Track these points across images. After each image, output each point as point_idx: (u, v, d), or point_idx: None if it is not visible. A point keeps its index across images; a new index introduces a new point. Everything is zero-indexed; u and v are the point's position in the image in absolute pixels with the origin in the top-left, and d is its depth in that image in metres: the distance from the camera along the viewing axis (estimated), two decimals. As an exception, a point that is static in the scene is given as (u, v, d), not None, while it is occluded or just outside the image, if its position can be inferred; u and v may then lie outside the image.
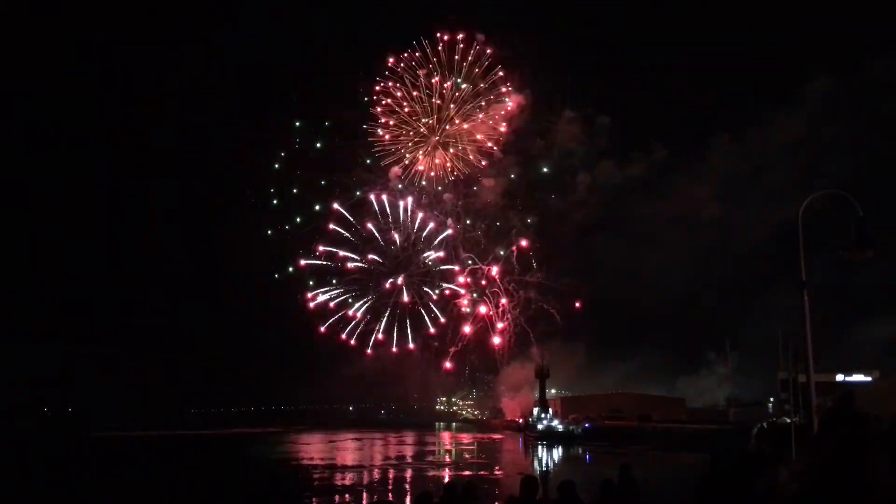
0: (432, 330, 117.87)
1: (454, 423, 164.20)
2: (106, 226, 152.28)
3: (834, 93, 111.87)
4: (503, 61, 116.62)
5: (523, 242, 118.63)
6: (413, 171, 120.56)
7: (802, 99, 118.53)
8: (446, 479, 42.47)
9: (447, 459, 70.35)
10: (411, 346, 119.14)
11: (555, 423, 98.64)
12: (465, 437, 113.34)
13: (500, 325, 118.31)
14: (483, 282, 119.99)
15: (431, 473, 52.29)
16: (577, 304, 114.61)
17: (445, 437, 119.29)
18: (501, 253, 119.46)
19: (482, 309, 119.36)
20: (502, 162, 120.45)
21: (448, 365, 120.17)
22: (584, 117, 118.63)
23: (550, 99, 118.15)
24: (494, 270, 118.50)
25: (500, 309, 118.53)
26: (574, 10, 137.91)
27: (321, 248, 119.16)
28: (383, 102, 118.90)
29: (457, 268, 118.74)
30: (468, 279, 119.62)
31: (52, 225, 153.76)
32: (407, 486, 43.91)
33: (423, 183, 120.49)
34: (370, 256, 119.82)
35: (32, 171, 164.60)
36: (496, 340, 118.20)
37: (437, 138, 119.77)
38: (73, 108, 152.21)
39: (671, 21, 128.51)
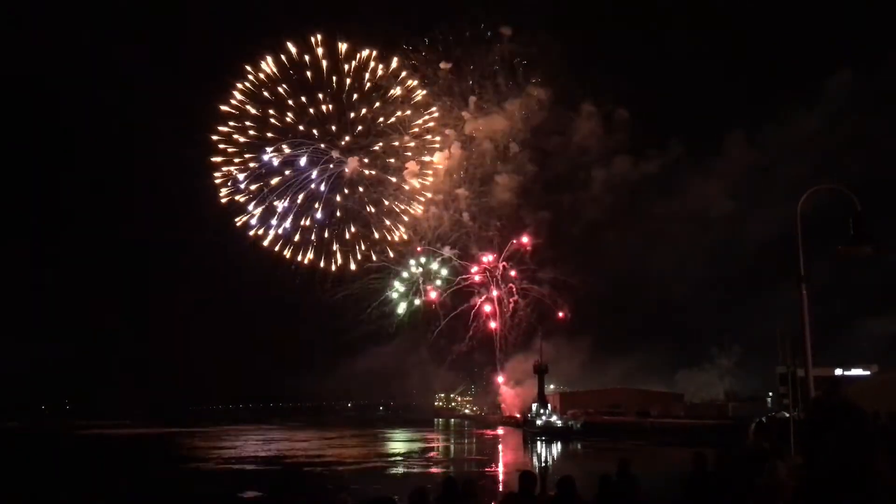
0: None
1: (453, 420, 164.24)
2: (99, 219, 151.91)
3: (853, 88, 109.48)
4: (527, 57, 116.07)
5: (535, 238, 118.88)
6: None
7: (820, 95, 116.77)
8: (445, 476, 42.35)
9: (446, 456, 70.30)
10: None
11: (553, 418, 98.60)
12: (464, 434, 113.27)
13: (506, 321, 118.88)
14: (494, 277, 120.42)
15: (431, 470, 52.24)
16: (561, 314, 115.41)
17: (444, 433, 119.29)
18: (512, 248, 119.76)
19: (490, 305, 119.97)
20: (518, 158, 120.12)
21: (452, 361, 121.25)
22: (603, 113, 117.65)
23: (571, 94, 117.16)
24: (505, 266, 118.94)
25: (510, 304, 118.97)
26: (593, 6, 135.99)
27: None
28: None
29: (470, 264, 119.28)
30: (479, 276, 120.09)
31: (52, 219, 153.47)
32: (406, 483, 43.81)
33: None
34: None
35: (32, 170, 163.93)
36: (499, 336, 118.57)
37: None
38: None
39: (690, 16, 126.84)
